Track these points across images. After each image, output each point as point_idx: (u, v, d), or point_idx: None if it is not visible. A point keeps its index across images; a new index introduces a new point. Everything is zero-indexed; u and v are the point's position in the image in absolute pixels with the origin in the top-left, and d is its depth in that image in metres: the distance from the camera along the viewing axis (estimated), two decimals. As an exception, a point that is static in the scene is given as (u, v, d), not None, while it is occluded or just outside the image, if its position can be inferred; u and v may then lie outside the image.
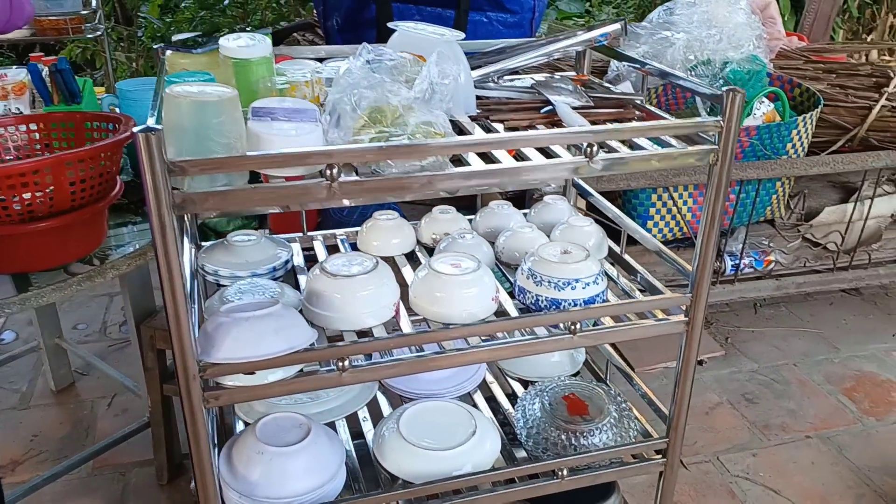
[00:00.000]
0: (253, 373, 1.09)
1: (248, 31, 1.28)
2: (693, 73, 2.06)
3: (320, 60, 1.41)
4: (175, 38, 1.31)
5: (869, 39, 4.92)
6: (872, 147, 2.44)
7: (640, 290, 1.41)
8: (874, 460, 2.15)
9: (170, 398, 1.91)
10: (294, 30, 3.30)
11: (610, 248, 1.55)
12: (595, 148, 1.09)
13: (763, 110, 2.09)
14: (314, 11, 3.09)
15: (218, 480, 1.19)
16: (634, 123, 1.21)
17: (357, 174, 1.05)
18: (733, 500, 2.01)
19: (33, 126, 1.51)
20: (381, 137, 1.03)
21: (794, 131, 2.15)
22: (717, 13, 2.06)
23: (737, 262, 2.36)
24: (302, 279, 1.41)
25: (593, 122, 1.25)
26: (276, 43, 3.12)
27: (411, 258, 1.53)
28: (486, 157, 1.13)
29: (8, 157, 1.43)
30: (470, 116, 1.30)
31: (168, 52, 1.21)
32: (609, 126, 1.17)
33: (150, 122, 0.94)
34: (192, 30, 4.35)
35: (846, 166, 2.25)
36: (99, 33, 2.82)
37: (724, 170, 1.16)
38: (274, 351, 1.07)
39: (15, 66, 1.83)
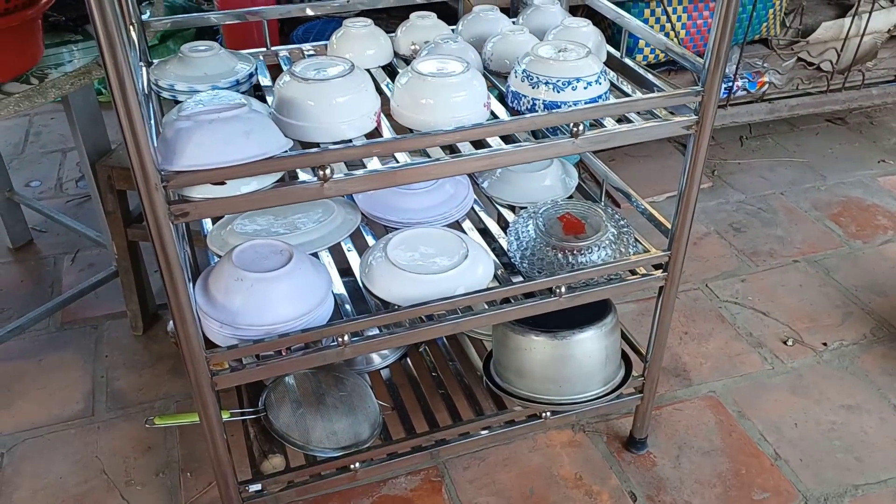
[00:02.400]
0: (224, 183, 0.97)
1: None
2: None
3: None
4: None
5: None
6: (874, -44, 2.28)
7: (638, 86, 1.29)
8: (861, 280, 2.14)
9: (136, 244, 1.80)
10: None
11: (609, 54, 1.41)
12: None
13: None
14: None
15: (196, 313, 1.09)
16: None
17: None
18: (723, 324, 1.99)
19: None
20: None
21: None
22: None
23: (730, 83, 2.23)
24: (269, 98, 1.26)
25: None
26: None
27: (389, 71, 1.38)
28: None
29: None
30: None
31: None
32: None
33: None
34: None
35: (848, -26, 2.09)
36: None
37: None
38: (245, 156, 0.95)
39: None
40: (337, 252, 1.39)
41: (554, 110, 1.14)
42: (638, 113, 1.18)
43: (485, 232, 1.51)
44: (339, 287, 1.31)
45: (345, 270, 1.37)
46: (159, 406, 1.72)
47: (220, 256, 1.34)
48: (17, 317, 1.94)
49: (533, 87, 1.18)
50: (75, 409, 1.70)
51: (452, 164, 1.09)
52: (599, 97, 1.18)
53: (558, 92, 1.16)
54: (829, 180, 2.61)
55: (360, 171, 1.05)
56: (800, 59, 2.33)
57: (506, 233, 1.46)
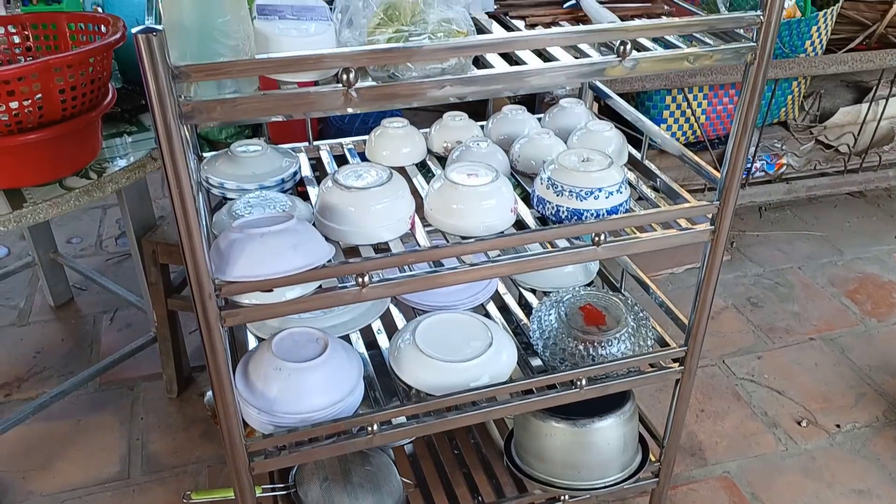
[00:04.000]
0: (270, 290, 1.05)
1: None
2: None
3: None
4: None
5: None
6: (891, 45, 2.35)
7: (656, 191, 1.36)
8: (875, 360, 2.18)
9: (175, 312, 1.88)
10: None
11: (630, 155, 1.49)
12: (628, 46, 1.01)
13: (785, 5, 1.99)
14: None
15: (238, 402, 1.17)
16: (670, 20, 1.12)
17: (371, 77, 0.97)
18: (739, 402, 2.03)
19: (12, 28, 1.41)
20: (399, 37, 0.95)
21: (814, 28, 2.05)
22: None
23: (748, 165, 2.30)
24: (312, 192, 1.35)
25: (622, 18, 1.16)
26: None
27: (422, 168, 1.47)
28: (508, 58, 1.06)
29: (-12, 63, 1.34)
30: (487, 13, 1.22)
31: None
32: (643, 22, 1.09)
33: (149, 21, 0.86)
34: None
35: (865, 65, 2.16)
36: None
37: (762, 69, 1.09)
38: (292, 267, 1.03)
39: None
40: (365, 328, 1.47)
41: (577, 222, 1.21)
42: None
43: (505, 309, 1.58)
44: (368, 366, 1.38)
45: (372, 343, 1.44)
46: (191, 470, 1.79)
47: (258, 338, 1.42)
48: (57, 376, 2.04)
49: (557, 195, 1.25)
50: (112, 472, 1.78)
51: (481, 270, 1.17)
52: (620, 205, 1.25)
53: (581, 200, 1.24)
54: (847, 255, 2.66)
55: (395, 276, 1.12)
56: (818, 142, 2.40)
57: (528, 317, 1.53)
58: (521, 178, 1.42)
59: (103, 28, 1.37)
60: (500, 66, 1.03)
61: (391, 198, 1.20)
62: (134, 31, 0.81)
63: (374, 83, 0.95)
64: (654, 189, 1.38)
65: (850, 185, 2.50)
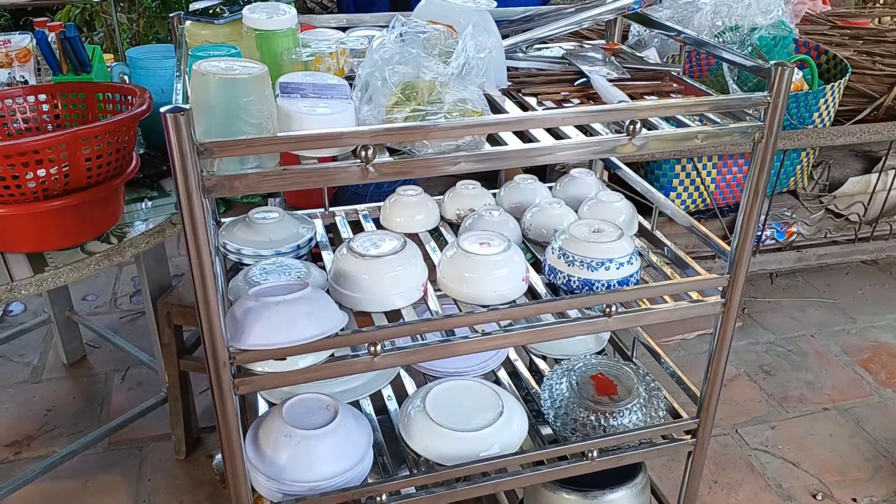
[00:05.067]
0: (284, 358, 1.06)
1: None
2: (720, 38, 1.99)
3: (342, 30, 1.35)
4: (193, 6, 1.26)
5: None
6: (898, 115, 2.39)
7: (666, 262, 1.37)
8: (891, 432, 2.14)
9: (186, 373, 1.89)
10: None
11: (640, 225, 1.51)
12: (638, 125, 1.04)
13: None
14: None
15: (247, 469, 1.17)
16: (679, 100, 1.15)
17: (389, 153, 1.00)
18: (752, 473, 2.00)
19: (42, 97, 1.46)
20: (416, 116, 0.98)
21: (822, 100, 2.09)
22: (746, -24, 1.99)
23: (759, 233, 2.31)
24: (326, 257, 1.37)
25: (631, 96, 1.20)
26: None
27: (435, 234, 1.49)
28: (521, 134, 1.09)
29: (16, 130, 1.38)
30: (501, 90, 1.26)
31: (188, 22, 1.15)
32: (653, 102, 1.12)
33: (177, 100, 0.89)
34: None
35: (873, 136, 2.19)
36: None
37: (770, 145, 1.12)
38: (306, 336, 1.04)
39: (18, 32, 1.76)
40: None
41: (588, 293, 1.22)
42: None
43: (515, 375, 1.58)
44: (378, 432, 1.37)
45: (381, 408, 1.44)
46: (196, 535, 1.77)
47: (268, 403, 1.42)
48: (67, 435, 2.04)
49: (568, 265, 1.27)
50: (117, 535, 1.76)
51: (494, 340, 1.18)
52: (631, 276, 1.27)
53: (592, 271, 1.25)
54: (860, 323, 2.64)
55: (407, 345, 1.13)
56: (828, 211, 2.42)
57: (538, 384, 1.53)
58: (533, 247, 1.44)
59: (130, 98, 1.42)
60: (512, 142, 1.06)
61: (404, 266, 1.22)
62: (163, 110, 0.84)
63: (391, 158, 0.98)
64: (664, 257, 1.40)
65: (862, 254, 2.51)
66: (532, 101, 1.24)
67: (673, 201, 2.18)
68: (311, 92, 1.02)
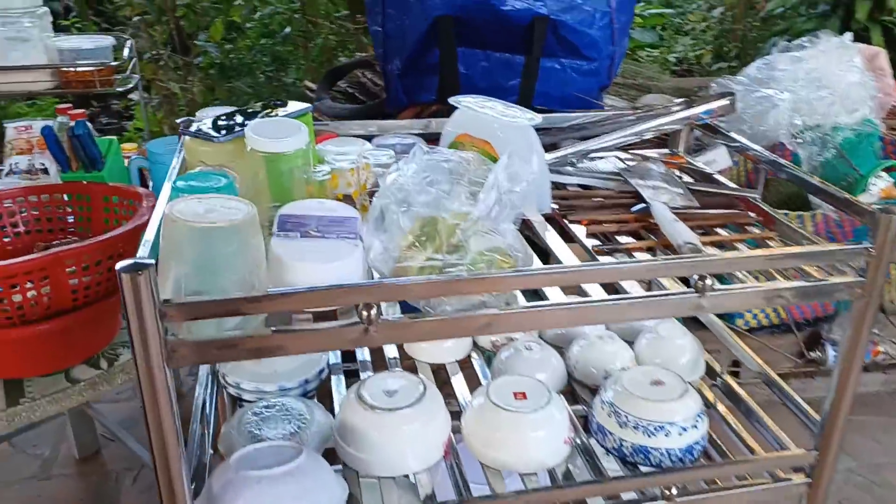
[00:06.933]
0: (265, 548, 0.88)
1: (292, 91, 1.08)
2: (799, 138, 1.78)
3: (369, 139, 1.20)
4: (201, 112, 1.12)
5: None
6: None
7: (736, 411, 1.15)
8: None
9: (192, 490, 1.72)
10: (353, 67, 3.13)
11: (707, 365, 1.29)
12: (708, 281, 0.84)
13: (880, 185, 1.80)
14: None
15: None
16: (763, 252, 0.94)
17: (401, 308, 0.83)
18: None
19: (45, 197, 1.35)
20: (433, 268, 0.81)
21: (915, 208, 1.85)
22: (828, 71, 1.79)
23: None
24: (337, 395, 1.19)
25: (700, 230, 1.01)
26: (333, 80, 2.92)
27: (466, 364, 1.31)
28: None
29: (6, 239, 1.26)
30: (544, 215, 1.08)
31: (185, 138, 1.01)
32: (729, 255, 0.92)
33: (142, 251, 0.74)
34: (251, 61, 4.23)
35: (974, 247, 1.93)
36: (131, 85, 2.50)
37: (872, 306, 0.91)
38: (291, 526, 0.86)
39: (40, 119, 1.68)
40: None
41: (643, 461, 1.02)
42: (740, 467, 1.04)
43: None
44: None
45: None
46: None
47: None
48: (66, 544, 1.88)
49: (621, 426, 1.06)
50: None
51: (524, 523, 0.97)
52: (696, 444, 1.05)
53: (649, 437, 1.04)
54: (957, 451, 2.32)
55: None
56: (919, 326, 2.14)
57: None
58: (580, 388, 1.24)
59: (136, 203, 1.29)
60: (553, 294, 0.87)
61: (423, 421, 1.03)
62: (118, 266, 0.69)
63: (398, 317, 0.81)
64: (738, 416, 1.17)
65: (959, 376, 2.21)
66: (580, 230, 1.05)
67: (742, 314, 1.95)
68: (315, 229, 0.86)
